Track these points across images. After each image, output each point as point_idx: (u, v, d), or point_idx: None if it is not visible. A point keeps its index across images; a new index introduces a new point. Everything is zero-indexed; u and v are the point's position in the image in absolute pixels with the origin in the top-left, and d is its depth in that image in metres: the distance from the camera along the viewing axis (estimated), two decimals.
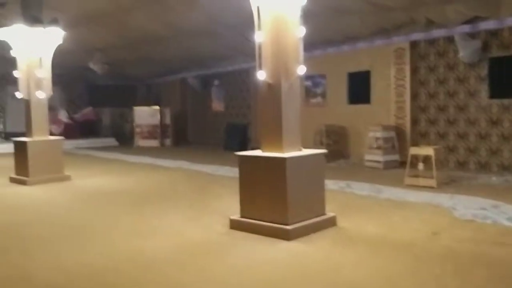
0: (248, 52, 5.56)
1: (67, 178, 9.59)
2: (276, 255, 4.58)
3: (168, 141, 17.89)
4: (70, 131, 17.82)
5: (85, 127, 19.42)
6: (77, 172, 10.26)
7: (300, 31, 5.20)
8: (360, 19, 10.04)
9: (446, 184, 7.93)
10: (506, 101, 9.11)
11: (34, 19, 9.21)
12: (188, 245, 4.95)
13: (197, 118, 18.48)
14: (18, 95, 9.68)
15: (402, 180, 8.17)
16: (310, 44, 10.30)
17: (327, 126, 11.75)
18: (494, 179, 8.38)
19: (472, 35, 9.32)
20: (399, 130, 10.51)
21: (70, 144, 16.66)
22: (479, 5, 8.58)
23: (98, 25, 12.03)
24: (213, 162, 11.76)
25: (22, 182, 9.18)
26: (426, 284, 3.77)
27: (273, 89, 5.27)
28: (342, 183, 8.23)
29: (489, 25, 8.90)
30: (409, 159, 8.24)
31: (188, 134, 18.87)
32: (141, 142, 17.85)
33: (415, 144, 10.00)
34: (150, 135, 17.87)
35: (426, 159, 8.10)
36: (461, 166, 9.74)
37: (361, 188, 7.84)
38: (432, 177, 7.80)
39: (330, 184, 7.88)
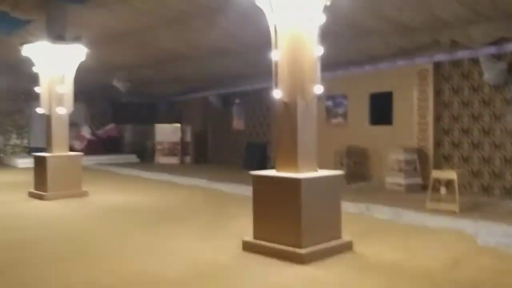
0: (268, 71, 5.49)
1: (84, 194, 9.61)
2: (288, 280, 4.41)
3: (188, 159, 17.90)
4: (93, 147, 18.03)
5: (107, 143, 19.58)
6: (95, 188, 10.29)
7: (318, 50, 5.11)
8: (383, 40, 9.91)
9: (469, 210, 7.64)
10: None
11: (57, 36, 9.37)
12: (198, 267, 4.82)
13: (217, 136, 18.48)
14: (39, 110, 9.81)
15: (423, 204, 7.91)
16: (332, 64, 10.29)
17: (348, 147, 11.57)
18: None
19: (497, 57, 9.09)
20: (421, 153, 10.26)
21: (92, 160, 16.87)
22: (505, 26, 8.37)
23: (121, 43, 12.19)
24: (231, 180, 11.66)
25: (40, 197, 9.24)
26: None
27: (289, 108, 5.17)
28: (361, 206, 8.03)
29: None
30: (431, 182, 8.00)
31: (208, 152, 18.86)
32: (161, 159, 17.91)
33: (438, 167, 9.75)
34: (171, 152, 17.92)
35: (449, 183, 7.85)
36: (485, 191, 9.42)
37: (381, 212, 7.62)
38: (454, 202, 7.54)
39: (349, 207, 7.70)
